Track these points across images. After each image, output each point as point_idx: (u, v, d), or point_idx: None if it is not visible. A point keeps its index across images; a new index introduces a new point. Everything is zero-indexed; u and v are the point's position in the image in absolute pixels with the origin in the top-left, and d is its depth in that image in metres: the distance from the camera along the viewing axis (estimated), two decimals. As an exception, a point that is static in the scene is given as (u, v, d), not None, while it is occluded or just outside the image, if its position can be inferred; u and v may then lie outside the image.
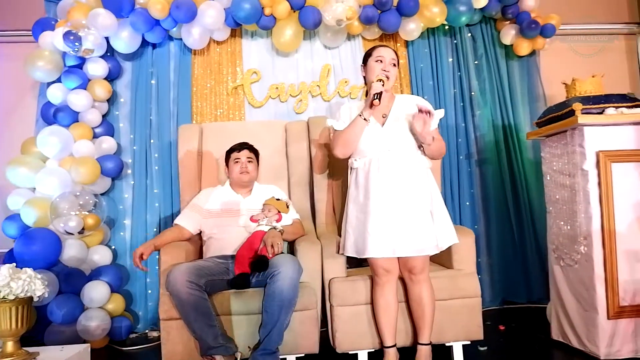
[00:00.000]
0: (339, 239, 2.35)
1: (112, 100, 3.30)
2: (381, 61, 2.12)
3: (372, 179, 2.06)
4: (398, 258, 2.09)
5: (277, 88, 3.41)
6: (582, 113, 2.15)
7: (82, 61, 3.07)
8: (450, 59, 3.55)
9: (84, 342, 2.67)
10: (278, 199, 2.51)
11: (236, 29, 3.38)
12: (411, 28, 3.36)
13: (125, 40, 3.12)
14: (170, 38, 3.35)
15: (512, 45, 3.51)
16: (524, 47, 3.44)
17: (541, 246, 3.40)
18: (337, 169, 2.79)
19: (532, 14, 3.39)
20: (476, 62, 3.57)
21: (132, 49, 3.20)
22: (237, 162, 2.53)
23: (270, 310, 2.07)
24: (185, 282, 2.03)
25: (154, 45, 3.34)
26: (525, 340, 2.55)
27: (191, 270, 2.08)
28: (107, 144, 3.12)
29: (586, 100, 2.22)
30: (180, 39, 3.31)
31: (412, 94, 3.48)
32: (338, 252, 2.26)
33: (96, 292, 2.79)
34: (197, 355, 2.13)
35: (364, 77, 2.24)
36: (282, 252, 2.25)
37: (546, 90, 3.57)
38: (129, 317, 3.02)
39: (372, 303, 2.17)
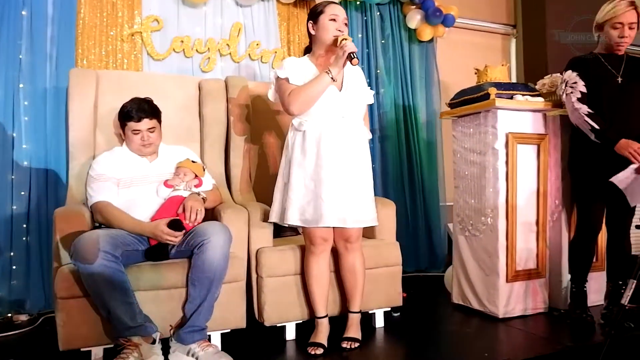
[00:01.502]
0: (264, 206, 2.23)
1: (-35, 30, 2.63)
2: (335, 20, 2.01)
3: (325, 145, 1.96)
4: (334, 227, 2.06)
5: (182, 41, 3.08)
6: (496, 97, 2.35)
7: None
8: (360, 35, 3.60)
9: None
10: (194, 162, 2.28)
11: (138, -35, 2.94)
12: (327, -3, 3.30)
13: (-8, -45, 2.49)
14: (51, -37, 2.78)
15: (415, 29, 3.69)
16: (427, 33, 3.64)
17: (430, 220, 3.70)
18: (255, 134, 2.64)
19: (435, 2, 3.60)
20: (383, 42, 3.68)
21: (0, -32, 2.58)
22: (136, 133, 2.14)
23: (199, 283, 1.89)
24: (99, 253, 1.73)
25: (29, -31, 2.74)
26: (429, 305, 2.77)
27: (105, 239, 1.78)
28: (-38, 83, 2.48)
29: (498, 86, 2.43)
30: (65, -34, 2.78)
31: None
32: (268, 220, 2.13)
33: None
34: (105, 338, 1.85)
35: (311, 35, 2.11)
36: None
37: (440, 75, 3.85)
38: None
39: (304, 273, 2.12)
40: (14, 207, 2.65)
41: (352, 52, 1.90)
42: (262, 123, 2.70)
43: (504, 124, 2.38)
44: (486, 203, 2.41)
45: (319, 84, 1.95)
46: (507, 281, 2.37)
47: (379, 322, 2.33)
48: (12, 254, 2.65)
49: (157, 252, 1.98)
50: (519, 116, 2.42)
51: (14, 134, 2.69)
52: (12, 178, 2.66)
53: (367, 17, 3.62)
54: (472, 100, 2.52)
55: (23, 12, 2.73)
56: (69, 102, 2.36)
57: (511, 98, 2.40)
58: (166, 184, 2.14)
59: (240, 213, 2.16)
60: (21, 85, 2.71)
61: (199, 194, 2.14)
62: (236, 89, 2.62)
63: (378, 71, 3.61)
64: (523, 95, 2.40)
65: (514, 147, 2.37)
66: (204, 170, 2.28)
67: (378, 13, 3.66)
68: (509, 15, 4.32)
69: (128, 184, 2.14)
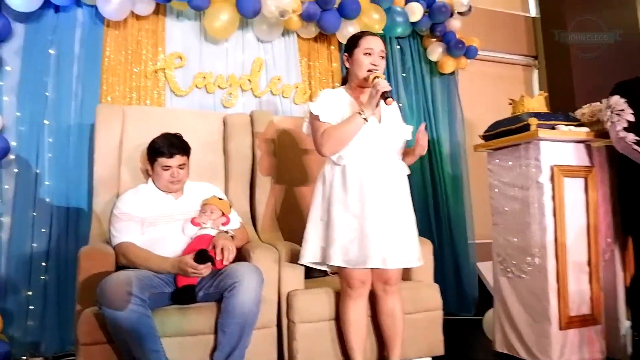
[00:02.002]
0: (294, 245, 2.11)
1: (-5, 67, 2.63)
2: (370, 54, 1.93)
3: (368, 180, 1.85)
4: (372, 269, 1.92)
5: (204, 77, 3.04)
6: (537, 128, 2.24)
7: (-40, 11, 2.38)
8: (380, 69, 3.55)
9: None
10: (220, 199, 2.19)
11: (162, 4, 2.94)
12: (349, 31, 3.28)
13: (24, -5, 2.50)
14: (79, 4, 2.78)
15: (437, 62, 3.65)
16: (449, 65, 3.59)
17: (458, 259, 3.53)
18: (281, 170, 2.55)
19: (457, 34, 3.56)
20: (404, 75, 3.63)
21: (31, 8, 2.58)
22: (166, 169, 2.08)
23: (230, 329, 1.75)
24: (127, 296, 1.61)
25: (57, 9, 2.75)
26: (470, 353, 2.56)
27: (133, 281, 1.67)
28: (-11, 119, 2.44)
29: (538, 116, 2.32)
30: (91, 6, 2.78)
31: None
32: (299, 262, 1.98)
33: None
34: (128, 388, 1.71)
35: (347, 68, 2.04)
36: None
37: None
38: (6, 341, 2.36)
39: (340, 318, 1.96)
40: (34, 245, 2.57)
41: (386, 92, 1.82)
42: (288, 158, 2.61)
43: (548, 156, 2.25)
44: (532, 241, 2.25)
45: (351, 126, 1.85)
46: (560, 328, 2.17)
47: (420, 372, 2.16)
48: (29, 293, 2.54)
49: (184, 294, 1.86)
50: (563, 148, 2.29)
51: (38, 170, 2.63)
52: (34, 215, 2.59)
53: (387, 50, 3.54)
54: (509, 131, 2.41)
55: (51, 51, 2.73)
56: (96, 137, 2.31)
57: (553, 128, 2.29)
58: (193, 222, 2.04)
59: (269, 252, 2.04)
60: (46, 122, 2.67)
61: (227, 232, 2.03)
62: (262, 124, 2.55)
63: (400, 105, 3.54)
64: (566, 125, 2.29)
65: (561, 181, 2.23)
66: (230, 207, 2.18)
67: (398, 46, 3.63)
68: (530, 46, 4.27)
69: (153, 222, 2.05)
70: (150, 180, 2.19)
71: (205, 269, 1.80)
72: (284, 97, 3.22)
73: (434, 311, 2.19)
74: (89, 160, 2.67)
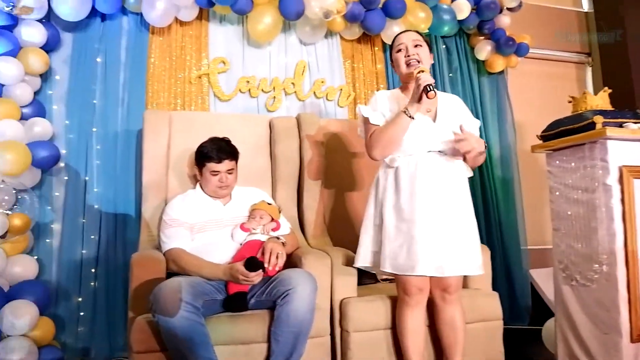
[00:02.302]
0: (347, 251, 2.04)
1: (45, 76, 2.67)
2: (401, 49, 1.88)
3: (420, 182, 1.77)
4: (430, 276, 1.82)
5: (247, 82, 3.02)
6: (603, 126, 2.09)
7: (14, 23, 2.43)
8: (426, 70, 3.45)
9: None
10: (269, 204, 2.14)
11: (204, 9, 2.95)
12: (394, 31, 3.19)
13: (71, 5, 2.53)
14: (124, 11, 2.82)
15: (485, 61, 3.51)
16: (499, 64, 3.44)
17: (510, 266, 3.38)
18: (331, 174, 2.48)
19: (506, 32, 3.41)
20: (450, 75, 3.51)
21: (78, 17, 2.62)
22: (214, 174, 2.05)
23: (283, 338, 1.70)
24: (181, 303, 1.58)
25: (104, 17, 2.79)
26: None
27: (186, 288, 1.63)
28: (41, 127, 2.48)
29: (603, 114, 2.16)
30: (137, 14, 2.81)
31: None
32: (353, 265, 1.92)
33: (20, 315, 2.14)
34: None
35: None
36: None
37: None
38: (58, 347, 2.39)
39: (396, 327, 1.88)
40: (84, 251, 2.59)
41: (428, 85, 1.73)
42: (336, 162, 2.54)
43: (616, 156, 2.09)
44: (599, 248, 2.09)
45: (397, 126, 1.79)
46: (631, 341, 2.00)
47: (480, 385, 2.04)
48: (79, 299, 2.57)
49: (236, 301, 1.82)
50: (632, 147, 2.12)
51: (87, 177, 2.66)
52: (83, 222, 2.62)
53: (433, 50, 3.47)
54: (572, 131, 2.25)
55: (98, 59, 2.77)
56: (144, 143, 2.31)
57: (620, 126, 2.13)
58: (242, 227, 2.00)
59: (322, 258, 1.98)
60: (94, 129, 2.71)
61: (278, 237, 1.98)
62: (309, 126, 2.50)
63: (451, 105, 3.42)
64: (635, 123, 2.13)
65: (630, 183, 2.06)
66: (279, 212, 2.13)
67: (444, 46, 3.52)
68: (583, 42, 4.06)
69: (202, 228, 2.02)
70: (198, 185, 2.17)
71: (256, 277, 1.76)
72: (327, 99, 3.17)
73: (494, 321, 2.07)
74: (136, 166, 2.70)
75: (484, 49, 3.45)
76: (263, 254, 1.86)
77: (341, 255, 2.01)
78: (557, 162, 2.35)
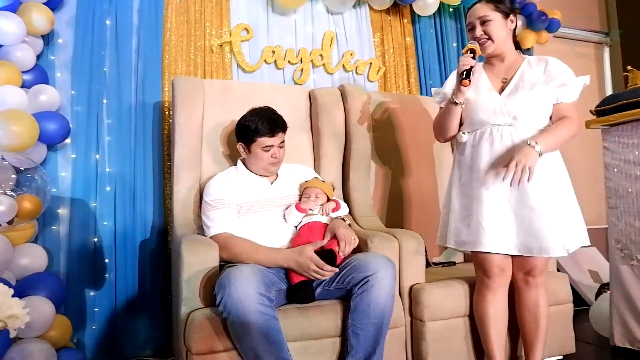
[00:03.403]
0: (414, 234, 1.86)
1: (46, 39, 2.34)
2: (470, 29, 1.74)
3: (480, 156, 1.66)
4: (512, 256, 1.66)
5: (273, 52, 2.76)
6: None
7: (14, -27, 2.09)
8: (455, 44, 3.28)
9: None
10: (323, 181, 1.93)
11: (225, -30, 2.67)
12: (426, 2, 3.00)
13: (77, -43, 2.21)
14: (136, -32, 2.51)
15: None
16: (529, 39, 3.30)
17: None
18: (381, 151, 2.28)
19: (537, 6, 3.27)
20: (478, 51, 3.35)
21: (86, -27, 2.30)
22: (267, 149, 1.82)
23: (364, 331, 1.50)
24: (257, 297, 1.35)
25: (113, -26, 2.47)
26: (585, 348, 2.30)
27: (259, 279, 1.40)
28: (47, 96, 2.15)
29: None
30: (150, -28, 2.50)
31: (419, 76, 3.12)
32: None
33: (34, 313, 1.84)
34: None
35: None
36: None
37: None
38: (74, 348, 2.10)
39: (475, 313, 1.72)
40: (96, 240, 2.30)
41: (464, 71, 1.61)
42: (384, 138, 2.34)
43: (682, 130, 1.99)
44: (662, 226, 2.00)
45: (446, 113, 1.78)
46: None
47: (553, 374, 1.90)
48: (92, 293, 2.29)
49: (301, 292, 1.60)
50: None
51: (97, 156, 2.36)
52: (95, 206, 2.32)
53: (460, 25, 3.31)
54: (631, 105, 2.14)
55: (107, 22, 2.45)
56: (175, 115, 2.03)
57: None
58: (298, 207, 1.78)
59: (390, 242, 1.78)
60: (105, 101, 2.40)
61: (343, 219, 1.76)
62: (355, 99, 2.28)
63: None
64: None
65: (700, 158, 1.97)
66: (333, 190, 1.92)
67: (472, 21, 3.35)
68: (602, 21, 3.98)
69: (250, 209, 1.79)
70: (239, 162, 1.93)
71: (330, 272, 1.55)
72: (357, 73, 2.95)
73: (565, 304, 1.94)
74: (153, 143, 2.42)
75: (514, 24, 3.29)
76: (334, 238, 1.64)
77: (411, 238, 1.82)
78: (615, 137, 2.25)
